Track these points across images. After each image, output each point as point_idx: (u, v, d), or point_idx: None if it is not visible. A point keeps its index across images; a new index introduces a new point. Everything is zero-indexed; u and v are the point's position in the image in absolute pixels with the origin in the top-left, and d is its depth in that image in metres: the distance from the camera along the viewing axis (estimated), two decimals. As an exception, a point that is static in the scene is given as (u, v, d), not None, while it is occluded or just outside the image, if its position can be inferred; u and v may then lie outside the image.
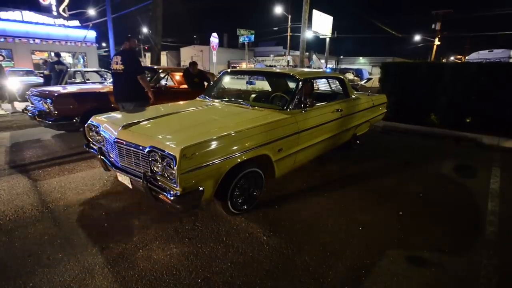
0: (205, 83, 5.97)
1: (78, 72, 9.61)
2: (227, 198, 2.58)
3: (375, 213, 2.98)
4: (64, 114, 4.37)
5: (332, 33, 23.28)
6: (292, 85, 3.52)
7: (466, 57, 18.13)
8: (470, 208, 3.20)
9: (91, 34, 21.23)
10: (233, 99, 3.84)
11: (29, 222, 2.57)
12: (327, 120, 3.67)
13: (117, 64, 4.31)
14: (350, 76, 22.69)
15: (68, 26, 20.18)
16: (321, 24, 20.87)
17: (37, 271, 2.00)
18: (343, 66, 38.03)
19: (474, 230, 2.78)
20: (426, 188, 3.68)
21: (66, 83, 7.90)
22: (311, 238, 2.49)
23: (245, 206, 2.82)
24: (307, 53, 27.20)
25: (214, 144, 2.31)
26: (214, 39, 12.04)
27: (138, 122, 2.72)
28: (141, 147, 2.32)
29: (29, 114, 4.89)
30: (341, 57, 46.03)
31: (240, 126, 2.63)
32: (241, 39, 14.22)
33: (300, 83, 3.40)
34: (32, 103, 5.06)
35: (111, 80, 4.72)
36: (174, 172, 2.07)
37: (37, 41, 18.86)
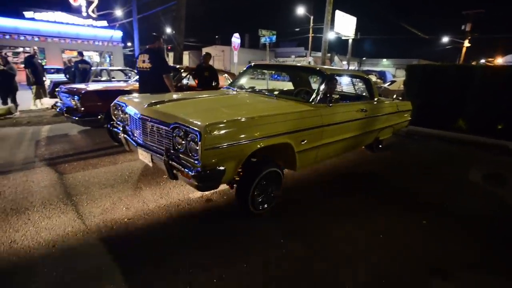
0: (214, 83, 5.82)
1: (104, 71, 9.95)
2: (249, 196, 2.57)
3: (397, 221, 2.88)
4: (90, 111, 4.52)
5: (355, 34, 22.81)
6: (317, 82, 3.51)
7: (500, 60, 17.22)
8: (500, 220, 3.02)
9: (117, 34, 21.95)
10: (257, 90, 3.88)
11: (54, 214, 2.67)
12: (351, 118, 3.62)
13: (144, 62, 4.35)
14: (373, 78, 22.14)
15: (96, 26, 20.99)
16: (344, 25, 20.51)
17: (61, 260, 2.07)
18: (365, 68, 37.23)
19: (503, 244, 2.61)
20: (453, 197, 3.52)
21: (89, 80, 8.17)
22: (330, 244, 2.43)
23: (266, 205, 2.81)
24: (329, 55, 26.85)
25: (238, 126, 2.34)
26: (236, 39, 12.11)
27: (164, 102, 2.82)
28: (165, 124, 2.38)
29: (58, 110, 5.11)
30: (364, 58, 45.06)
31: (265, 112, 2.67)
32: (262, 40, 14.24)
33: (327, 78, 3.39)
34: (61, 100, 5.28)
35: (136, 78, 4.79)
36: (197, 148, 2.11)
37: (68, 40, 19.75)
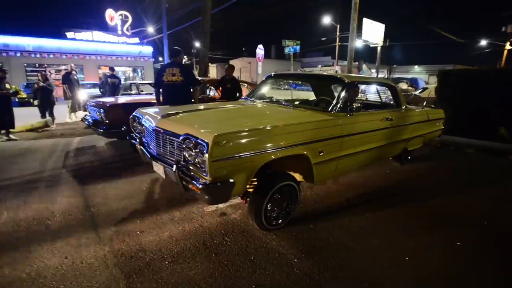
0: (237, 94, 5.78)
1: (133, 85, 10.40)
2: (262, 210, 2.46)
3: (427, 241, 2.60)
4: (114, 123, 4.67)
5: (384, 41, 22.18)
6: (338, 90, 3.36)
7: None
8: (553, 243, 2.63)
9: (148, 50, 23.11)
10: (275, 100, 3.80)
11: (72, 224, 2.72)
12: (375, 128, 3.40)
13: (174, 75, 4.29)
14: (404, 86, 21.28)
15: (129, 43, 22.25)
16: (372, 32, 20.03)
17: (70, 273, 2.06)
18: (396, 76, 35.96)
19: (559, 271, 2.25)
20: (493, 215, 3.15)
21: (119, 94, 8.56)
22: (348, 264, 2.23)
23: (280, 221, 2.67)
24: (357, 63, 26.24)
25: (249, 136, 2.25)
26: (260, 50, 12.21)
27: (178, 113, 2.82)
28: (176, 135, 2.36)
29: (86, 122, 5.35)
30: (394, 66, 43.61)
31: (279, 122, 2.56)
32: (286, 50, 14.24)
33: (347, 86, 3.23)
34: (89, 113, 5.54)
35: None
36: (205, 159, 2.04)
37: (103, 57, 21.09)
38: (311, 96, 5.13)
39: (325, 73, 5.74)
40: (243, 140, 2.21)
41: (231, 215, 2.94)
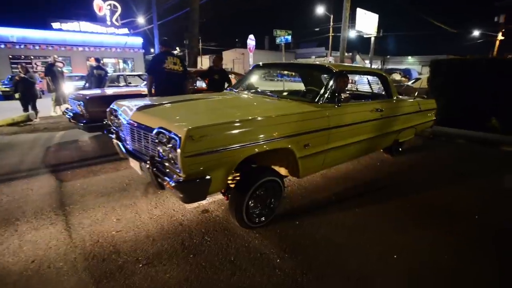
0: (226, 84, 5.68)
1: (121, 76, 10.09)
2: (243, 208, 2.33)
3: (418, 235, 2.51)
4: (94, 116, 4.47)
5: (378, 31, 22.02)
6: (326, 80, 3.21)
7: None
8: (545, 237, 2.56)
9: (137, 41, 22.56)
10: (260, 91, 3.63)
11: (43, 225, 2.55)
12: (364, 119, 3.27)
13: (175, 64, 4.34)
14: (397, 76, 21.19)
15: (118, 34, 21.67)
16: (366, 23, 19.87)
17: (35, 279, 1.92)
18: (389, 66, 35.96)
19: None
20: (485, 207, 3.07)
21: (105, 86, 8.25)
22: (335, 263, 2.12)
23: (263, 218, 2.54)
24: (350, 54, 26.07)
25: (227, 129, 2.09)
26: (251, 41, 11.95)
27: (154, 106, 2.65)
28: (150, 129, 2.20)
29: (67, 116, 5.13)
30: (388, 56, 43.56)
31: (261, 114, 2.39)
32: (278, 40, 13.97)
33: (335, 75, 3.06)
34: (71, 106, 5.31)
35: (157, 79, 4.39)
36: (177, 155, 1.88)
37: (92, 48, 20.54)
38: (300, 87, 4.99)
39: (317, 62, 5.57)
40: (220, 134, 2.05)
41: (214, 212, 2.81)
